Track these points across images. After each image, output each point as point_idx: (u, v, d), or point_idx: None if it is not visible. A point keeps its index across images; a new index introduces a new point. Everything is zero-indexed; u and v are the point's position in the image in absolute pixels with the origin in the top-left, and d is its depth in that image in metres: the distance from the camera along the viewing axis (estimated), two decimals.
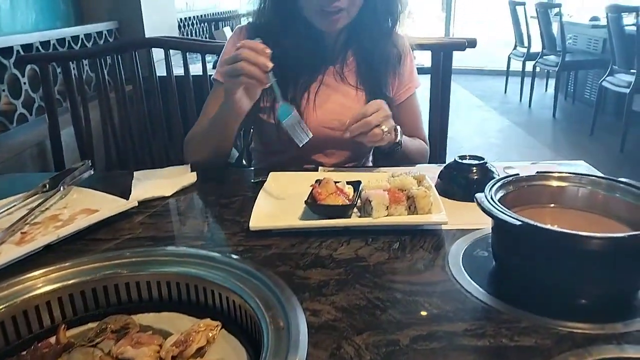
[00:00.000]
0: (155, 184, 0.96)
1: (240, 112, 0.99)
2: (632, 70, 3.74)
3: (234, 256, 0.68)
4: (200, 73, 1.66)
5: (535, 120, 4.96)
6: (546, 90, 5.83)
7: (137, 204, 0.86)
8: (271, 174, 0.97)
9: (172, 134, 1.70)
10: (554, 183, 0.70)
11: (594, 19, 4.77)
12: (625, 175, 2.74)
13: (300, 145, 0.95)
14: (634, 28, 3.66)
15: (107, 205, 0.85)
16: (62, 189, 0.93)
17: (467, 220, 0.80)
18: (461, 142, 4.24)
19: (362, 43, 1.17)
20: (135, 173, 1.01)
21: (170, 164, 1.75)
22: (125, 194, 0.93)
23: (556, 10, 4.93)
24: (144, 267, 0.65)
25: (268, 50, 0.89)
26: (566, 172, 0.71)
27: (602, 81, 4.09)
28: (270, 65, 0.89)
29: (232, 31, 3.29)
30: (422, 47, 1.52)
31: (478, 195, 0.63)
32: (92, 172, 1.00)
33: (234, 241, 0.76)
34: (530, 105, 5.32)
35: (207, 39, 2.69)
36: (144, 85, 1.68)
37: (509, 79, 5.91)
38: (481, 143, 4.26)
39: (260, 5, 1.15)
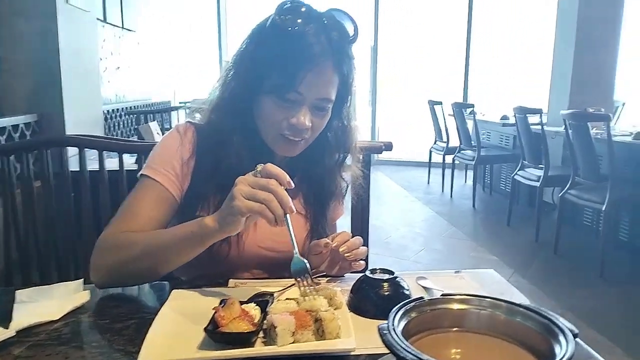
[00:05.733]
0: (41, 306, 0.87)
1: (224, 236, 0.91)
2: (540, 165, 4.06)
3: None
4: (117, 168, 1.60)
5: (457, 210, 5.19)
6: (465, 181, 6.18)
7: (14, 334, 0.77)
8: (173, 292, 0.91)
9: (82, 232, 1.60)
10: (456, 306, 0.70)
11: (504, 117, 5.20)
12: (540, 264, 2.85)
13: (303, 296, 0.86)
14: (539, 127, 4.02)
15: None
16: None
17: (377, 342, 0.77)
18: (388, 232, 4.34)
19: (312, 171, 1.16)
20: (17, 293, 0.91)
21: (77, 266, 1.66)
22: (7, 315, 0.83)
23: (470, 109, 5.37)
24: None
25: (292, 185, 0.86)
26: (467, 295, 0.71)
27: (514, 175, 4.39)
28: (295, 210, 0.84)
29: (158, 126, 3.29)
30: None
31: (381, 326, 0.62)
32: None
33: None
34: (451, 196, 5.59)
35: (128, 139, 2.66)
36: (54, 181, 1.59)
37: (431, 170, 6.24)
38: (407, 232, 4.37)
39: (212, 110, 1.09)
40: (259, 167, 0.87)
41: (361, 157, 1.26)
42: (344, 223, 1.55)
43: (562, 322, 0.65)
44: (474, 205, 5.15)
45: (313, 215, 1.18)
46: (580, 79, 4.64)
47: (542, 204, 4.12)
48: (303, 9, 0.99)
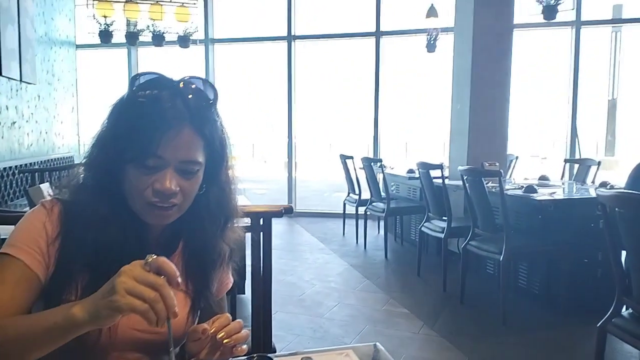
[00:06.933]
0: None
1: (93, 328, 0.84)
2: (444, 217, 4.25)
3: None
4: None
5: (370, 262, 5.28)
6: (379, 232, 6.33)
7: None
8: None
9: None
10: None
11: (410, 171, 5.44)
12: (448, 315, 2.94)
13: None
14: (441, 181, 4.23)
15: None
16: None
17: None
18: (303, 288, 4.31)
19: (193, 242, 1.11)
20: None
21: None
22: None
23: (379, 163, 5.58)
24: None
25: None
26: None
27: (421, 227, 4.56)
28: (178, 315, 0.80)
29: (51, 188, 3.09)
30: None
31: None
32: None
33: None
34: (365, 247, 5.70)
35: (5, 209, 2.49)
36: None
37: (345, 222, 6.37)
38: (322, 288, 4.36)
39: (78, 186, 1.04)
40: (150, 258, 0.81)
41: (260, 222, 1.21)
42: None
43: None
44: (386, 256, 5.26)
45: (195, 290, 1.12)
46: (476, 136, 4.98)
47: (449, 254, 4.29)
48: (155, 77, 1.00)
